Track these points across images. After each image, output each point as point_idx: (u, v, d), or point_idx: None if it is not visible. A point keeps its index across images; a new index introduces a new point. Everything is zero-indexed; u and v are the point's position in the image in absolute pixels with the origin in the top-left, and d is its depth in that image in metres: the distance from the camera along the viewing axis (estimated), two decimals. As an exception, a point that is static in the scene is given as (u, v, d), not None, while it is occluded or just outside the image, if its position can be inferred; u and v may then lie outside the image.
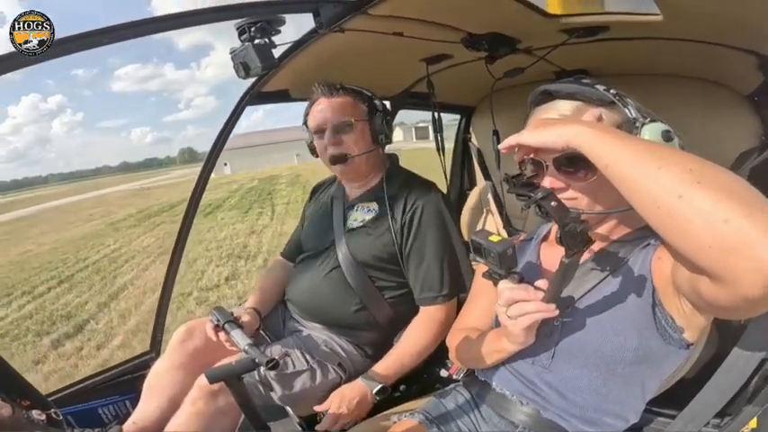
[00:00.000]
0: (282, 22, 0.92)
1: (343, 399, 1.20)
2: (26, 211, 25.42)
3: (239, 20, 0.87)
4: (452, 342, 1.07)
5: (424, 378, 1.38)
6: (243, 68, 0.96)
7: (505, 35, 1.20)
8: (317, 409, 1.22)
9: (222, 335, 1.25)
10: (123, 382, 1.61)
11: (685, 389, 0.92)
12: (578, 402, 0.84)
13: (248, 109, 1.52)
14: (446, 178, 1.95)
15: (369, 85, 1.43)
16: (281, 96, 1.57)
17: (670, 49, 1.15)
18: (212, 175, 1.64)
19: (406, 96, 1.90)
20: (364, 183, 1.43)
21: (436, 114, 1.64)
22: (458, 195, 2.42)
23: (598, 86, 0.79)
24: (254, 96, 1.49)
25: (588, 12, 1.10)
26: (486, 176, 2.22)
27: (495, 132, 1.70)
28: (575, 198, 0.79)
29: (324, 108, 1.34)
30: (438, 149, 1.71)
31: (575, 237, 0.65)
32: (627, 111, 0.77)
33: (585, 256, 0.85)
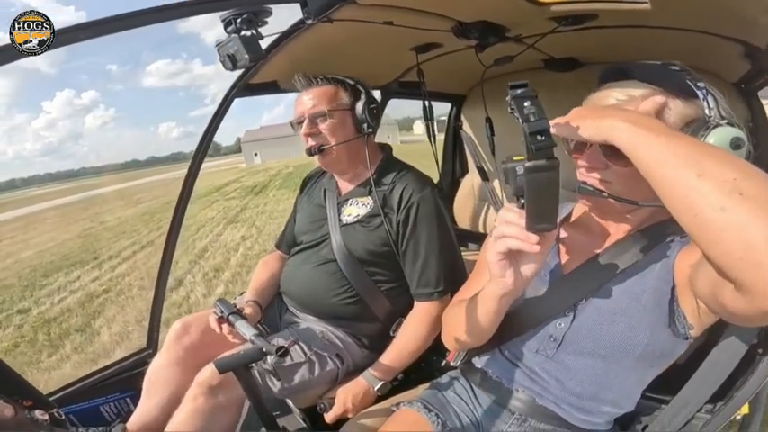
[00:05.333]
0: (269, 13, 0.90)
1: (348, 395, 1.23)
2: (69, 198, 26.65)
3: (225, 12, 0.86)
4: (446, 319, 1.03)
5: (421, 367, 1.40)
6: (230, 61, 0.95)
7: (495, 23, 1.19)
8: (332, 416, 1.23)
9: (226, 327, 1.25)
10: (123, 380, 1.61)
11: (678, 374, 0.93)
12: (576, 391, 0.84)
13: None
14: (438, 166, 1.96)
15: (358, 74, 1.41)
16: (271, 88, 1.55)
17: (658, 37, 1.16)
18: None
19: (396, 86, 1.89)
20: (354, 175, 1.41)
21: (427, 103, 1.64)
22: (450, 183, 2.44)
23: (690, 77, 0.73)
24: (243, 88, 1.48)
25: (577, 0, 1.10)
26: (478, 164, 2.23)
27: (488, 120, 1.71)
28: (610, 182, 0.76)
29: (302, 100, 1.34)
30: (429, 137, 1.71)
31: (540, 150, 0.56)
32: (705, 108, 0.71)
33: (607, 245, 0.84)
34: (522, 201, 0.61)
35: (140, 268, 6.17)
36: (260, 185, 15.38)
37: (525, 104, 0.56)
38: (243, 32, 0.89)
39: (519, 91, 0.58)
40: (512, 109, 0.59)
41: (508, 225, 0.66)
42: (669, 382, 0.92)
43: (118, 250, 7.73)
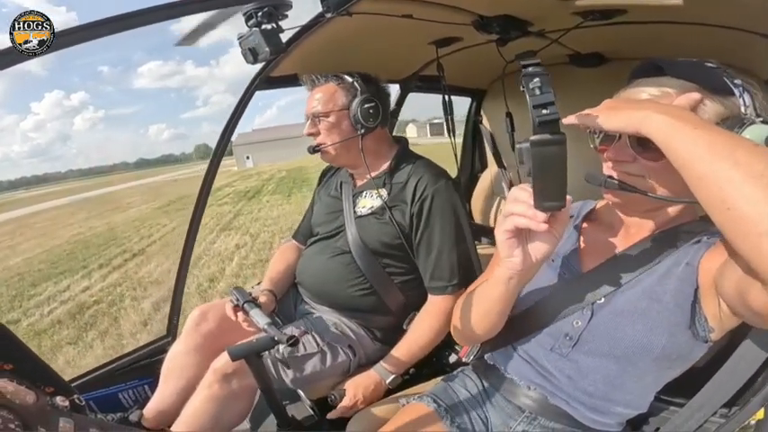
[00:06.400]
0: (289, 7, 0.91)
1: (358, 388, 1.24)
2: (57, 202, 26.08)
3: (246, 5, 0.87)
4: (455, 310, 1.01)
5: (433, 362, 1.40)
6: (251, 54, 0.96)
7: (517, 18, 1.16)
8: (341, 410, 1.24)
9: (241, 315, 1.28)
10: (142, 367, 1.65)
11: (694, 378, 0.91)
12: (589, 390, 0.83)
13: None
14: (457, 162, 1.95)
15: (377, 68, 1.41)
16: (290, 81, 1.56)
17: (688, 33, 1.11)
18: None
19: (415, 80, 1.87)
20: (369, 168, 1.41)
21: (446, 97, 1.62)
22: (468, 179, 2.41)
23: (726, 74, 0.72)
24: (264, 81, 1.49)
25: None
26: (498, 159, 2.20)
27: (509, 115, 1.68)
28: (640, 176, 0.74)
29: (308, 99, 1.38)
30: (448, 132, 1.70)
31: (545, 123, 0.56)
32: (741, 105, 0.70)
33: (629, 244, 0.83)
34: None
35: (132, 278, 5.90)
36: (253, 190, 15.01)
37: (534, 80, 0.57)
38: (264, 26, 0.90)
39: (530, 68, 0.58)
40: (522, 86, 0.58)
41: (516, 203, 0.65)
42: (683, 385, 0.90)
43: (108, 258, 7.48)
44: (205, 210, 1.65)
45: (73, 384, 1.46)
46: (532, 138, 0.56)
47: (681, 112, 0.61)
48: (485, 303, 0.85)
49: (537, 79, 0.57)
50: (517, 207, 0.65)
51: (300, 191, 13.31)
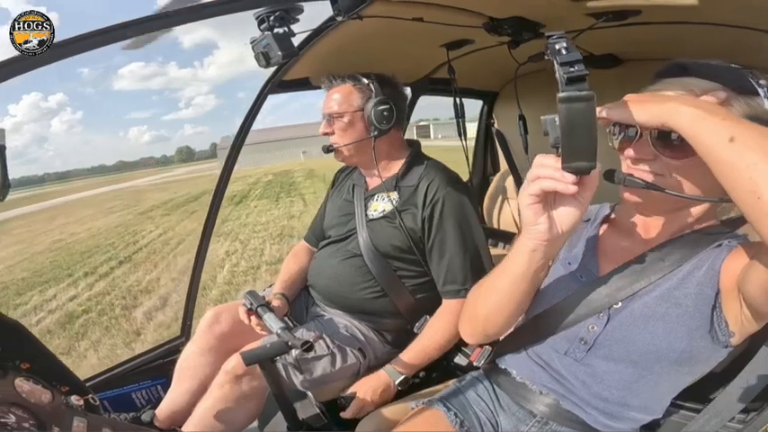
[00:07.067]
0: (301, 11, 0.92)
1: (368, 388, 1.23)
2: (35, 207, 25.03)
3: (258, 9, 0.88)
4: (467, 301, 0.95)
5: (443, 365, 1.39)
6: (263, 58, 0.97)
7: (529, 19, 1.16)
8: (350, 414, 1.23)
9: (254, 319, 1.28)
10: (155, 367, 1.67)
11: (710, 383, 0.90)
12: (603, 395, 0.82)
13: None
14: (468, 164, 1.94)
15: (388, 71, 1.41)
16: (302, 84, 1.58)
17: (704, 33, 1.09)
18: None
19: (426, 82, 1.87)
20: (381, 171, 1.41)
21: (457, 100, 1.62)
22: (480, 181, 2.40)
23: (753, 76, 0.71)
24: (276, 85, 1.51)
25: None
26: (510, 162, 2.19)
27: (522, 117, 1.67)
28: (661, 174, 0.72)
29: (325, 99, 1.39)
30: (459, 134, 1.70)
31: (573, 79, 0.55)
32: (766, 105, 0.69)
33: (648, 248, 0.81)
34: (559, 152, 0.59)
35: (120, 286, 5.69)
36: (239, 195, 14.50)
37: (559, 42, 0.57)
38: (276, 30, 0.91)
39: (555, 38, 0.59)
40: (547, 55, 0.58)
41: (542, 166, 0.63)
42: (698, 390, 0.89)
43: (93, 266, 7.15)
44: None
45: (87, 384, 1.49)
46: (561, 94, 0.55)
47: (707, 105, 0.60)
48: (503, 282, 0.80)
49: (563, 41, 0.57)
50: (544, 170, 0.63)
51: (288, 195, 12.95)
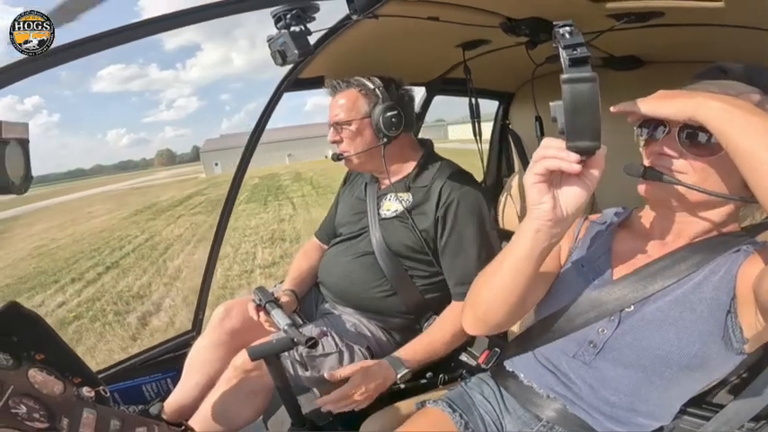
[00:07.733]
0: (317, 9, 0.92)
1: (366, 374, 1.17)
2: (11, 212, 23.87)
3: (275, 7, 0.88)
4: (471, 288, 0.93)
5: (450, 367, 1.38)
6: (280, 56, 0.98)
7: (547, 20, 1.14)
8: (343, 373, 1.18)
9: (262, 315, 1.29)
10: (166, 361, 1.69)
11: (719, 390, 0.90)
12: (611, 400, 0.81)
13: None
14: (483, 165, 1.92)
15: (403, 71, 1.41)
16: (317, 83, 1.58)
17: (728, 36, 1.06)
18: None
19: (441, 82, 1.86)
20: (394, 171, 1.41)
21: (473, 101, 1.60)
22: (494, 182, 2.38)
23: None
24: (291, 83, 1.51)
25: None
26: (525, 164, 2.16)
27: (538, 119, 1.64)
28: (685, 172, 0.72)
29: (330, 106, 1.38)
30: (475, 135, 1.68)
31: (576, 61, 0.57)
32: None
33: (664, 253, 0.80)
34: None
35: (110, 292, 5.58)
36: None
37: (564, 28, 0.59)
38: (292, 28, 0.91)
39: (561, 24, 0.60)
40: (553, 42, 0.60)
41: (548, 147, 0.64)
42: (710, 397, 0.88)
43: (79, 272, 7.01)
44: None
45: (99, 376, 1.52)
46: (564, 75, 0.57)
47: (738, 101, 0.60)
48: (507, 264, 0.77)
49: (567, 27, 0.59)
50: (549, 150, 0.63)
51: (276, 199, 12.87)
